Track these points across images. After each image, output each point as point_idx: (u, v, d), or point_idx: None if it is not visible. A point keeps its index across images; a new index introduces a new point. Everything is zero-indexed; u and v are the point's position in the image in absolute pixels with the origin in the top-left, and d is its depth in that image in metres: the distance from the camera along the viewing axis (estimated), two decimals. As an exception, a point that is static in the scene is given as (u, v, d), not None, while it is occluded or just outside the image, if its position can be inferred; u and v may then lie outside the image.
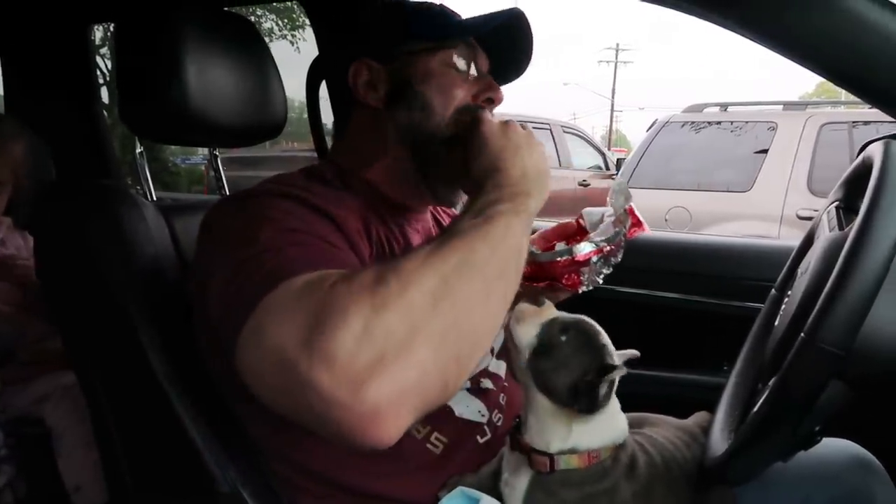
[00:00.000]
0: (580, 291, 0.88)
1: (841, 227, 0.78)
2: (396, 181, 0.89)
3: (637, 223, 0.88)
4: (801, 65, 0.71)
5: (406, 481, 0.82)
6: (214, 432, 0.84)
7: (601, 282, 0.88)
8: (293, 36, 9.79)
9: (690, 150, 4.61)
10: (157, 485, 0.90)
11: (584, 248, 0.84)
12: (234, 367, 0.62)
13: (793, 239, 1.10)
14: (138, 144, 1.15)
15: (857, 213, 0.65)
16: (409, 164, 0.87)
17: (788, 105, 4.74)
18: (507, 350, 0.85)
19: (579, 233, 0.95)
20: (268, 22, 9.67)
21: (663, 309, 1.49)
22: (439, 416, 0.83)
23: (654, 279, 1.50)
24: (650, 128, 4.85)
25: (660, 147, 4.68)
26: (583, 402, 0.75)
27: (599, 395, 0.75)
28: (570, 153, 7.48)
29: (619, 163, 6.34)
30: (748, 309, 1.34)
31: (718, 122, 4.64)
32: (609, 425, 0.79)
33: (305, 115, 1.53)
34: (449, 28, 0.86)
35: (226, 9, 1.23)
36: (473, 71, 0.87)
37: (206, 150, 1.17)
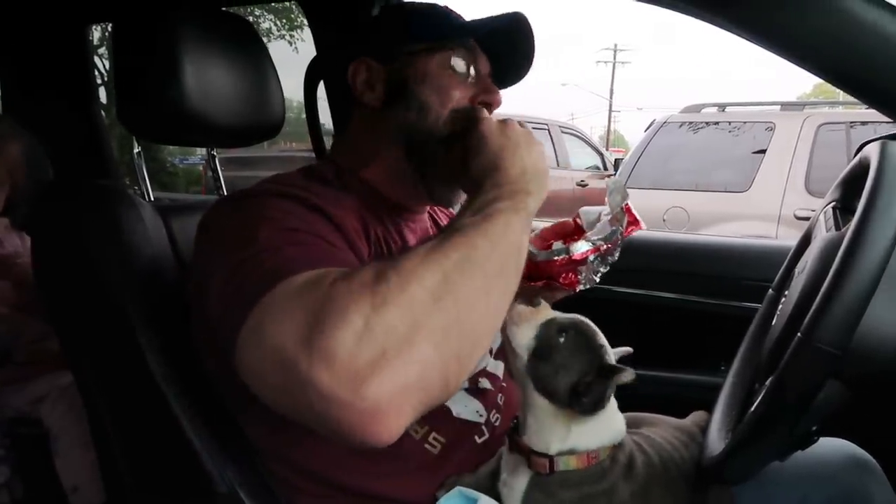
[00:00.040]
0: (577, 290, 0.88)
1: (838, 228, 0.78)
2: (394, 181, 0.89)
3: (634, 221, 0.88)
4: (799, 65, 0.71)
5: (404, 481, 0.82)
6: (212, 433, 0.84)
7: (598, 281, 0.88)
8: (291, 36, 9.79)
9: (688, 150, 4.62)
10: (155, 485, 0.90)
11: (581, 247, 0.84)
12: (234, 367, 0.61)
13: (790, 239, 1.10)
14: (136, 144, 1.15)
15: (853, 214, 0.65)
16: (405, 163, 0.87)
17: (786, 105, 4.74)
18: (504, 351, 0.85)
19: (576, 232, 0.95)
20: (266, 22, 9.66)
21: (661, 309, 1.49)
22: (437, 417, 0.83)
23: (652, 279, 1.50)
24: (648, 128, 4.86)
25: (658, 147, 4.68)
26: (583, 403, 0.74)
27: (603, 397, 0.74)
28: (568, 153, 7.49)
29: (616, 163, 6.33)
30: (745, 309, 1.34)
31: (716, 123, 4.64)
32: (607, 425, 0.79)
33: (303, 116, 1.53)
34: (448, 29, 0.86)
35: (224, 9, 1.23)
36: (473, 73, 0.87)
37: (204, 151, 1.17)
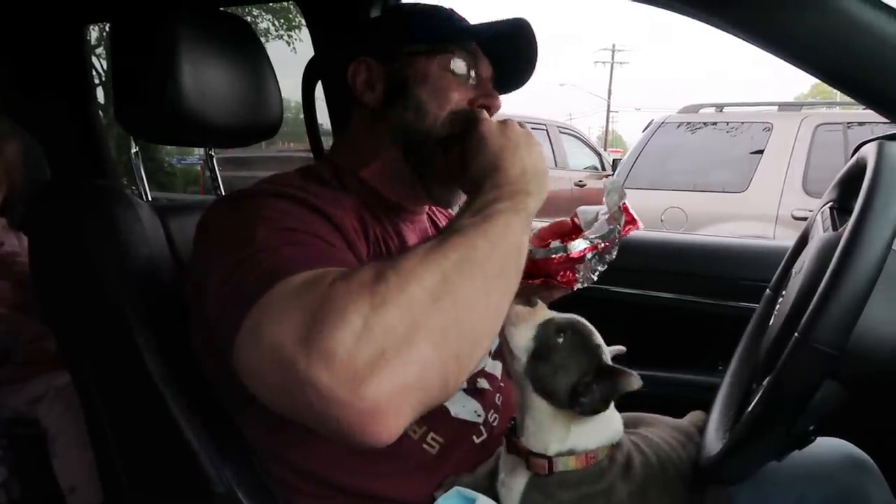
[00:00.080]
0: (575, 289, 0.88)
1: (835, 228, 0.79)
2: (393, 181, 0.89)
3: (631, 220, 0.88)
4: (796, 66, 0.71)
5: (402, 481, 0.82)
6: (210, 433, 0.84)
7: (596, 279, 0.88)
8: (289, 36, 9.79)
9: (686, 150, 4.62)
10: (153, 486, 0.90)
11: (578, 245, 0.84)
12: (232, 367, 0.61)
13: (788, 239, 1.11)
14: (134, 144, 1.15)
15: (851, 214, 0.65)
16: (404, 164, 0.87)
17: (784, 106, 4.75)
18: (502, 352, 0.85)
19: (574, 231, 0.95)
20: (264, 22, 9.66)
21: (659, 309, 1.49)
22: (435, 417, 0.83)
23: (650, 279, 1.50)
24: (646, 128, 4.86)
25: (656, 148, 4.69)
26: (583, 403, 0.74)
27: (605, 398, 0.74)
28: (566, 154, 7.50)
29: (615, 163, 6.35)
30: (743, 309, 1.34)
31: (714, 123, 4.65)
32: (605, 425, 0.79)
33: (301, 116, 1.53)
34: (449, 32, 0.86)
35: (222, 9, 1.23)
36: (473, 77, 0.87)
37: (201, 151, 1.17)
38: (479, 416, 0.89)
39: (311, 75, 1.43)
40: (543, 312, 0.79)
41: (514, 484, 0.79)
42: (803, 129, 4.24)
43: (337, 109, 1.50)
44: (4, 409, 1.47)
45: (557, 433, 0.77)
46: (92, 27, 1.98)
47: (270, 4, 8.97)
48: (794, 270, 0.85)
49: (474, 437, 0.89)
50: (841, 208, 0.83)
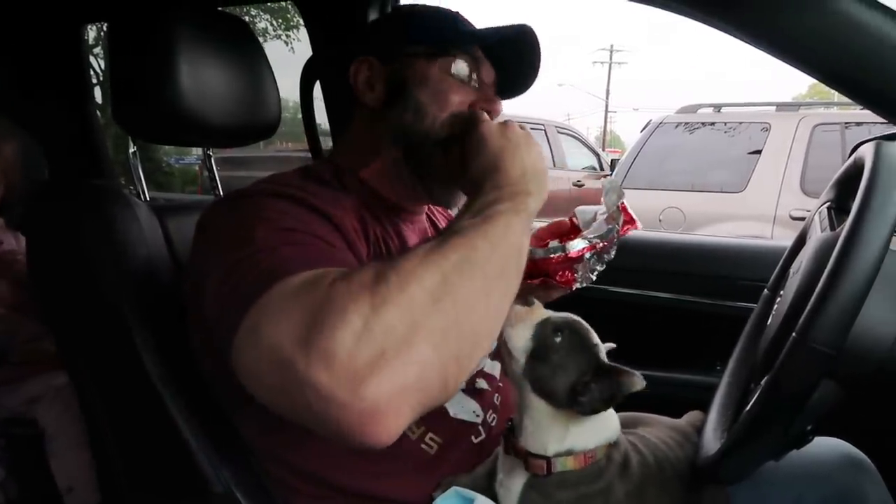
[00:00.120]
0: (574, 288, 0.88)
1: (832, 228, 0.79)
2: (393, 181, 0.89)
3: (630, 220, 0.88)
4: (794, 66, 0.71)
5: (400, 481, 0.82)
6: (208, 433, 0.84)
7: (595, 279, 0.88)
8: (287, 36, 9.77)
9: (684, 150, 4.62)
10: (151, 485, 0.90)
11: (577, 245, 0.84)
12: (231, 368, 0.61)
13: (785, 239, 1.11)
14: (132, 144, 1.15)
15: (848, 214, 0.65)
16: (404, 165, 0.87)
17: (781, 106, 4.75)
18: (500, 352, 0.85)
19: (572, 231, 0.95)
20: (262, 22, 9.64)
21: (657, 309, 1.49)
22: (434, 417, 0.83)
23: (648, 279, 1.50)
24: (644, 129, 4.86)
25: (654, 148, 4.69)
26: (583, 403, 0.74)
27: (607, 397, 0.74)
28: (564, 154, 7.50)
29: (613, 163, 6.34)
30: (741, 309, 1.35)
31: (712, 123, 4.65)
32: (603, 425, 0.79)
33: (299, 116, 1.53)
34: (450, 35, 0.86)
35: (220, 8, 1.23)
36: (475, 81, 0.87)
37: (200, 151, 1.17)
38: (477, 416, 0.89)
39: (309, 75, 1.43)
40: (540, 312, 0.79)
41: (513, 484, 0.79)
42: (801, 129, 4.24)
43: (335, 109, 1.50)
44: (2, 409, 1.47)
45: (556, 433, 0.77)
46: (90, 27, 1.98)
47: (268, 4, 8.96)
48: (791, 270, 0.85)
49: (473, 438, 0.89)
50: (839, 208, 0.84)
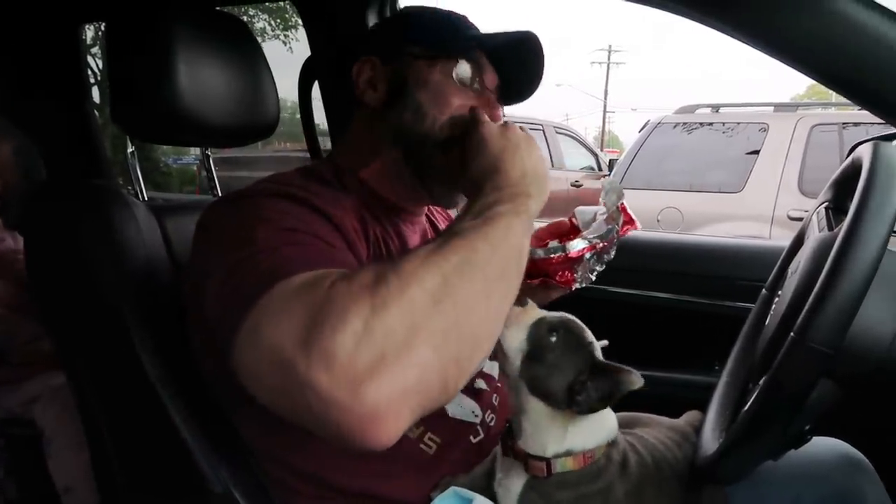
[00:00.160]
0: (573, 288, 0.88)
1: (830, 228, 0.79)
2: (392, 182, 0.89)
3: (629, 221, 0.88)
4: (791, 66, 0.72)
5: (399, 482, 0.82)
6: (206, 433, 0.83)
7: (594, 279, 0.88)
8: (286, 36, 9.77)
9: (682, 151, 4.63)
10: (149, 486, 0.90)
11: (577, 245, 0.84)
12: (231, 368, 0.61)
13: (783, 239, 1.11)
14: (130, 144, 1.15)
15: (846, 214, 0.65)
16: (404, 165, 0.87)
17: (779, 107, 4.76)
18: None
19: (572, 231, 0.95)
20: (260, 22, 9.64)
21: (655, 309, 1.49)
22: (433, 417, 0.82)
23: (647, 279, 1.50)
24: (642, 129, 4.87)
25: (652, 148, 4.69)
26: (580, 403, 0.74)
27: (605, 396, 0.73)
28: (562, 154, 7.51)
29: (611, 164, 6.35)
30: (739, 309, 1.35)
31: (710, 124, 4.66)
32: (600, 424, 0.79)
33: (298, 116, 1.53)
34: (451, 39, 0.86)
35: (218, 8, 1.23)
36: (477, 85, 0.86)
37: (198, 151, 1.17)
38: (476, 416, 0.89)
39: (308, 75, 1.43)
40: (534, 312, 0.79)
41: (512, 485, 0.79)
42: (799, 129, 4.25)
43: (334, 109, 1.50)
44: (0, 409, 1.46)
45: (555, 434, 0.77)
46: (87, 26, 1.98)
47: (267, 4, 8.96)
48: (790, 270, 0.85)
49: (471, 438, 0.89)
50: (836, 208, 0.84)
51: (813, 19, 0.67)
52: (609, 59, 33.00)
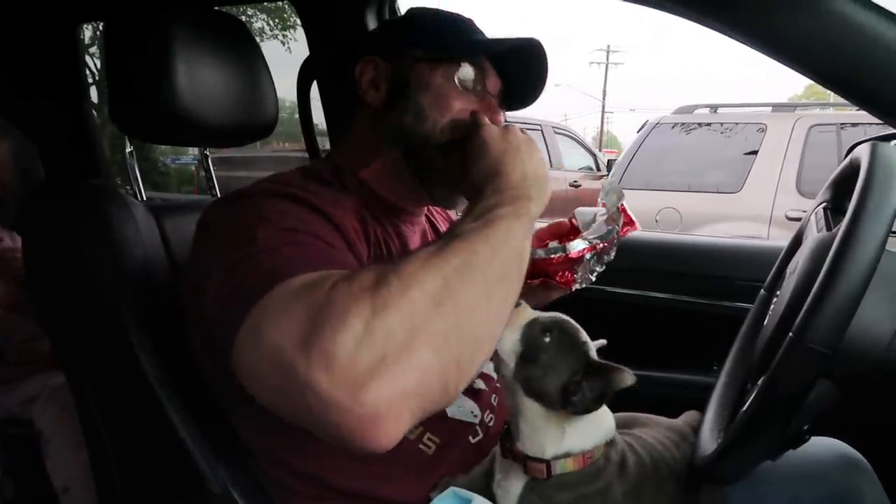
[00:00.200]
0: (573, 289, 0.88)
1: (829, 228, 0.79)
2: (392, 182, 0.89)
3: (629, 221, 0.88)
4: (789, 66, 0.72)
5: (399, 482, 0.82)
6: (205, 433, 0.83)
7: (594, 279, 0.88)
8: (284, 36, 9.77)
9: (681, 151, 4.63)
10: (147, 486, 0.90)
11: (577, 245, 0.85)
12: (231, 369, 0.61)
13: (782, 239, 1.11)
14: (128, 144, 1.15)
15: (844, 214, 0.65)
16: (404, 166, 0.87)
17: (778, 107, 4.77)
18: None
19: (572, 232, 0.95)
20: (258, 21, 9.64)
21: (654, 309, 1.49)
22: (432, 417, 0.81)
23: (645, 279, 1.50)
24: (641, 129, 4.87)
25: (650, 148, 4.70)
26: (575, 403, 0.74)
27: (599, 396, 0.74)
28: (561, 154, 7.51)
29: (609, 164, 6.36)
30: (738, 309, 1.35)
31: (708, 124, 4.66)
32: (598, 424, 0.79)
33: (296, 116, 1.53)
34: (453, 43, 0.86)
35: (216, 8, 1.23)
36: (479, 90, 0.86)
37: (196, 150, 1.17)
38: (475, 416, 0.89)
39: (306, 75, 1.43)
40: (527, 313, 0.78)
41: (511, 486, 0.79)
42: (797, 129, 4.25)
43: (332, 109, 1.50)
44: (-2, 409, 1.46)
45: (552, 435, 0.77)
46: (85, 26, 1.97)
47: (265, 4, 8.96)
48: (788, 271, 0.86)
49: (470, 438, 0.89)
50: (835, 209, 0.84)
51: (810, 19, 0.67)
52: (607, 59, 33.03)
